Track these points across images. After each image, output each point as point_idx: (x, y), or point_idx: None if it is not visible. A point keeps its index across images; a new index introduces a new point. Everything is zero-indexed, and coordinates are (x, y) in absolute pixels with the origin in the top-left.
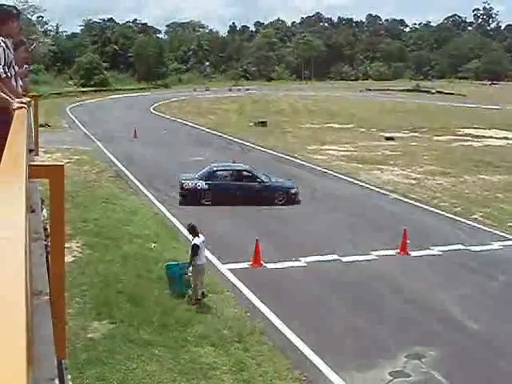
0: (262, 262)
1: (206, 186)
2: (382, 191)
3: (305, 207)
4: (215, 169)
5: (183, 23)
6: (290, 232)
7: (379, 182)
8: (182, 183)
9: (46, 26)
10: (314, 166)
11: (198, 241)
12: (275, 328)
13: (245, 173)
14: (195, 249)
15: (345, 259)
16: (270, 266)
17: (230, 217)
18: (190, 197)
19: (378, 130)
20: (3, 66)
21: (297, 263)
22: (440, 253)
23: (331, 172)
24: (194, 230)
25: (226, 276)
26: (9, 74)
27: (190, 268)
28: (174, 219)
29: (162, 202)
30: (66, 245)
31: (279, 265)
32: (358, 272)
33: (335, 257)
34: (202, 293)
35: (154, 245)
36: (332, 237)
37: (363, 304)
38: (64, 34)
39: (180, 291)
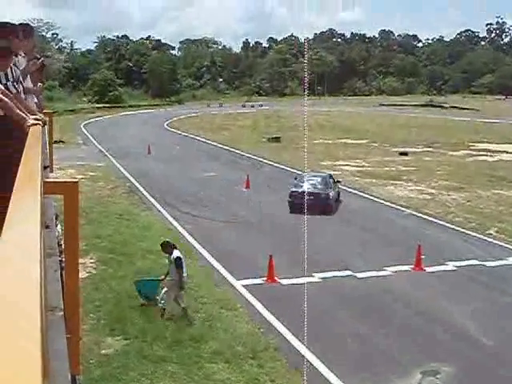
0: (276, 278)
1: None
2: (396, 206)
3: (317, 223)
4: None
5: (196, 40)
6: (302, 247)
7: (393, 197)
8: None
9: (60, 43)
10: None
11: (179, 254)
12: (289, 344)
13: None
14: (179, 262)
15: (359, 275)
16: (284, 281)
17: (238, 230)
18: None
19: (391, 146)
20: (12, 82)
21: (311, 279)
22: (455, 268)
23: (344, 187)
24: (166, 247)
25: (240, 292)
26: (18, 89)
27: (164, 289)
28: (187, 235)
29: (175, 217)
30: (80, 261)
31: (293, 281)
32: (373, 288)
33: (349, 272)
34: (183, 308)
35: (167, 261)
36: (346, 252)
37: (379, 321)
38: (78, 50)
39: (151, 296)
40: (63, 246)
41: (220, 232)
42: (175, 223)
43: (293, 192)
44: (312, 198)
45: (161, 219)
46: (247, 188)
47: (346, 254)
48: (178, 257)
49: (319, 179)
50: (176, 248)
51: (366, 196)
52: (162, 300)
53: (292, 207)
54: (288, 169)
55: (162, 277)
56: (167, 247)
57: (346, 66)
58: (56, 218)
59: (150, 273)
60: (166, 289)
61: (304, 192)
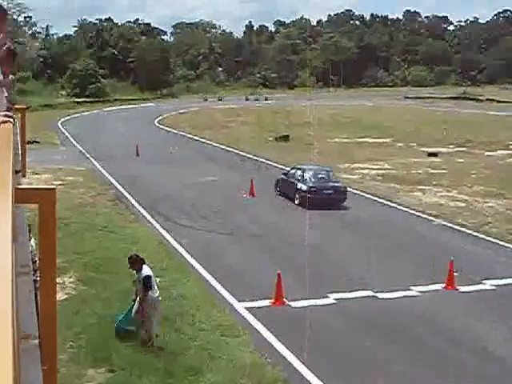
0: (285, 300)
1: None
2: (425, 216)
3: (333, 235)
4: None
5: (192, 23)
6: (316, 263)
7: (421, 205)
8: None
9: (34, 27)
10: None
11: (148, 271)
12: (301, 378)
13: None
14: (148, 280)
15: (381, 296)
16: (294, 303)
17: (241, 244)
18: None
19: (418, 145)
20: None
21: (325, 300)
22: (493, 287)
23: (364, 194)
24: (135, 262)
25: (244, 316)
26: None
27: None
28: (182, 250)
29: (168, 229)
30: (58, 280)
31: (304, 303)
32: (397, 311)
33: (370, 293)
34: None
35: (158, 280)
36: (366, 269)
37: (402, 349)
38: (55, 36)
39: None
40: (38, 263)
41: (220, 246)
42: (168, 236)
43: (311, 188)
44: (332, 192)
45: (152, 232)
46: (251, 195)
47: (366, 271)
48: (147, 276)
49: (325, 172)
50: (145, 263)
51: (390, 204)
52: (143, 326)
53: (308, 203)
54: None
55: (133, 298)
56: (135, 263)
57: (366, 53)
58: (29, 231)
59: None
60: (135, 311)
61: (324, 187)
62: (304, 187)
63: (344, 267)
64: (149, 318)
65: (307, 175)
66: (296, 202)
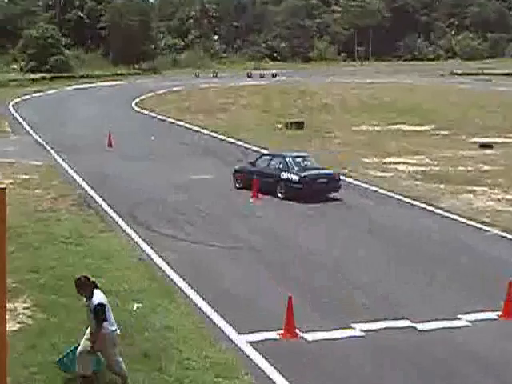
0: (297, 331)
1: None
2: (476, 224)
3: (356, 248)
4: None
5: None
6: (336, 284)
7: (471, 210)
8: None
9: None
10: (372, 188)
11: (100, 298)
12: None
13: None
14: (102, 310)
15: (421, 326)
16: (308, 336)
17: (241, 260)
18: None
19: (467, 134)
20: None
21: (348, 332)
22: None
23: (398, 196)
24: (84, 286)
25: (245, 352)
26: None
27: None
28: (166, 267)
29: (149, 241)
30: (9, 305)
31: (323, 335)
32: (441, 346)
33: (407, 323)
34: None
35: (136, 305)
36: (400, 292)
37: None
38: None
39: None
40: None
41: (215, 263)
42: (149, 250)
43: (302, 177)
44: (326, 180)
45: (128, 244)
46: (255, 197)
47: (401, 295)
48: (99, 304)
49: (307, 158)
50: (97, 287)
51: (431, 209)
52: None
53: (296, 194)
54: None
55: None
56: (84, 286)
57: (401, 17)
58: None
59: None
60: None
61: (317, 175)
62: (294, 177)
63: (373, 290)
64: (112, 357)
65: (291, 163)
66: (280, 195)
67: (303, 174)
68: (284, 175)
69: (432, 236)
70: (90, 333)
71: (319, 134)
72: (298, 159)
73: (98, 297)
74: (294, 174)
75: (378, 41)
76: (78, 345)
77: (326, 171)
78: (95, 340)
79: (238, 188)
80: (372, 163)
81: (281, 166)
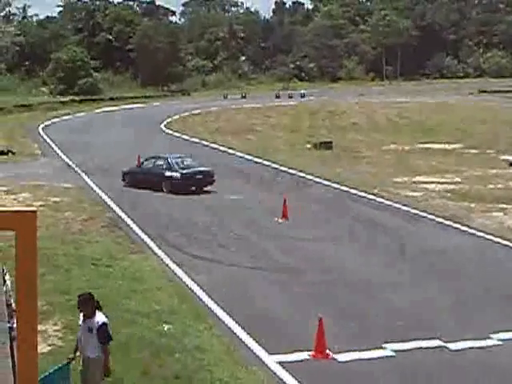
0: (328, 352)
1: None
2: (507, 243)
3: (389, 268)
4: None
5: (207, 1)
6: (368, 304)
7: (503, 229)
8: None
9: (7, 7)
10: (402, 207)
11: (104, 318)
12: None
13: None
14: (107, 329)
15: (454, 346)
16: (339, 356)
17: (271, 281)
18: None
19: (498, 152)
20: None
21: (379, 352)
22: None
23: (429, 216)
24: (87, 304)
25: (276, 372)
26: None
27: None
28: (197, 288)
29: (179, 263)
30: (40, 327)
31: (354, 355)
32: (474, 366)
33: (438, 342)
34: None
35: (167, 327)
36: (432, 312)
37: None
38: (34, 19)
39: None
40: (14, 307)
41: (245, 284)
42: (180, 271)
43: (183, 174)
44: (202, 176)
45: (158, 266)
46: (284, 218)
47: (433, 315)
48: (104, 323)
49: (187, 159)
50: (100, 309)
51: (463, 228)
52: None
53: (179, 188)
54: (344, 189)
55: (71, 356)
56: (87, 304)
57: (429, 36)
58: (3, 269)
59: (141, 345)
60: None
61: (195, 172)
62: (176, 174)
63: (405, 309)
64: (98, 376)
65: (173, 163)
66: (165, 190)
67: (184, 172)
68: (168, 173)
69: (464, 255)
70: (83, 360)
71: (348, 153)
72: (179, 159)
73: (102, 317)
74: (175, 171)
75: (406, 59)
76: (66, 364)
77: (202, 169)
78: (107, 363)
79: (126, 186)
80: (402, 183)
81: (165, 166)
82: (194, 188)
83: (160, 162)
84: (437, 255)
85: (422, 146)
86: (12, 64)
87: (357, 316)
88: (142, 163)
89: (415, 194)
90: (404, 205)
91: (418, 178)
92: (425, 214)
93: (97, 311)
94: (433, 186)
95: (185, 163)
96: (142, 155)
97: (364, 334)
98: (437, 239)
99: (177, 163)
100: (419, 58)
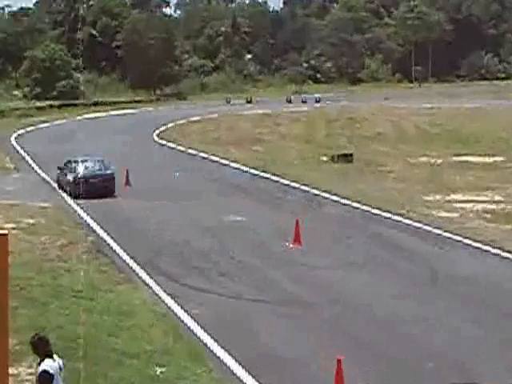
0: None
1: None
2: None
3: (418, 301)
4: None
5: None
6: (394, 343)
7: None
8: None
9: None
10: (434, 230)
11: (50, 365)
12: None
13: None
14: (45, 379)
15: None
16: None
17: (280, 316)
18: None
19: None
20: None
21: None
22: None
23: (465, 240)
24: (40, 347)
25: None
26: None
27: None
28: (193, 324)
29: (173, 295)
30: (11, 370)
31: None
32: None
33: None
34: None
35: (159, 369)
36: (470, 354)
37: None
38: (7, 10)
39: None
40: None
41: (250, 319)
42: (174, 305)
43: (79, 178)
44: (100, 179)
45: (149, 298)
46: (297, 242)
47: (471, 356)
48: (44, 370)
49: (96, 162)
50: (50, 355)
51: (503, 254)
52: None
53: (76, 193)
54: (367, 208)
55: None
56: (36, 348)
57: (465, 31)
58: None
59: None
60: None
61: (92, 176)
62: (72, 178)
63: (438, 350)
64: None
65: (79, 166)
66: (67, 193)
67: (79, 175)
68: (69, 176)
69: (506, 286)
70: None
71: (371, 167)
72: (87, 163)
73: (47, 364)
74: (72, 174)
75: (439, 58)
76: None
77: (105, 172)
78: None
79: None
80: (434, 201)
81: (70, 169)
82: (93, 193)
83: (72, 165)
84: (473, 286)
85: (457, 158)
86: None
87: (380, 357)
88: (65, 165)
89: (449, 214)
90: (436, 227)
91: (452, 196)
92: (460, 238)
93: (47, 358)
94: (470, 205)
95: (94, 166)
96: (131, 169)
97: (389, 378)
98: (473, 267)
99: (84, 166)
100: (453, 56)
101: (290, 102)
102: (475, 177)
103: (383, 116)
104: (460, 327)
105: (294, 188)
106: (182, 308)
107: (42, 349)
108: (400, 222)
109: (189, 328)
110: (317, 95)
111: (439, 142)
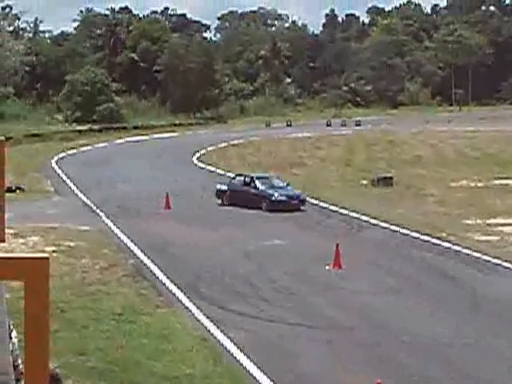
0: None
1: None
2: None
3: (460, 327)
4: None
5: (246, 13)
6: (436, 370)
7: None
8: None
9: (17, 21)
10: (475, 254)
11: None
12: None
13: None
14: None
15: None
16: None
17: (323, 341)
18: None
19: None
20: None
21: None
22: None
23: (506, 264)
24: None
25: None
26: None
27: None
28: (234, 349)
29: (214, 319)
30: None
31: None
32: None
33: None
34: None
35: None
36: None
37: None
38: (47, 35)
39: None
40: (22, 369)
41: (292, 344)
42: (214, 329)
43: (280, 196)
44: (296, 199)
45: (189, 322)
46: (337, 267)
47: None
48: None
49: (279, 180)
50: None
51: None
52: None
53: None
54: (406, 232)
55: None
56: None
57: (506, 54)
58: (9, 325)
59: None
60: None
61: (291, 195)
62: (279, 196)
63: (483, 377)
64: None
65: (273, 183)
66: (264, 209)
67: (279, 194)
68: (268, 194)
69: None
70: None
71: (411, 191)
72: (276, 180)
73: None
74: (275, 192)
75: (479, 82)
76: None
77: (296, 192)
78: None
79: (224, 204)
80: (474, 225)
81: (264, 186)
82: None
83: (261, 182)
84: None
85: (498, 182)
86: (22, 87)
87: (420, 380)
88: (235, 179)
89: (490, 238)
90: (476, 251)
91: (493, 220)
92: (500, 262)
93: None
94: (511, 228)
95: (280, 185)
96: (172, 193)
97: None
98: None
99: (275, 184)
100: (494, 79)
101: (329, 125)
102: None
103: (423, 139)
104: (501, 349)
105: (333, 211)
106: (222, 332)
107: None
108: (439, 244)
109: (229, 352)
110: (356, 118)
111: (480, 165)
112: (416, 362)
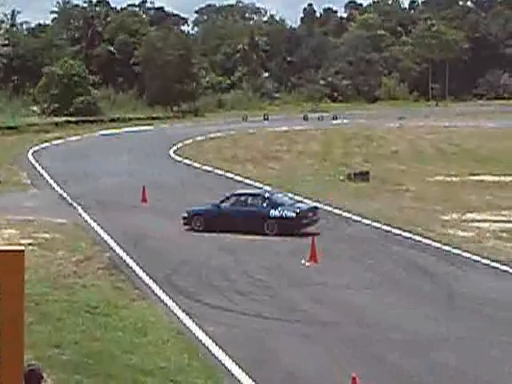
0: None
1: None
2: None
3: (436, 322)
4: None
5: (224, 7)
6: (415, 366)
7: None
8: None
9: None
10: (451, 249)
11: None
12: None
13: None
14: None
15: None
16: None
17: (299, 334)
18: None
19: None
20: None
21: None
22: None
23: (484, 260)
24: (30, 379)
25: None
26: None
27: None
28: (209, 342)
29: (190, 312)
30: None
31: None
32: None
33: None
34: None
35: None
36: (494, 377)
37: None
38: (25, 26)
39: None
40: None
41: (267, 338)
42: (190, 322)
43: (302, 211)
44: (312, 214)
45: (165, 315)
46: (313, 261)
47: (496, 379)
48: None
49: (281, 194)
50: None
51: None
52: None
53: (300, 227)
54: (383, 227)
55: None
56: (30, 379)
57: (483, 50)
58: None
59: None
60: None
61: (309, 209)
62: (289, 214)
63: (460, 372)
64: None
65: (278, 200)
66: (268, 231)
67: (294, 210)
68: (273, 212)
69: None
70: None
71: (388, 186)
72: (280, 195)
73: None
74: (285, 210)
75: (456, 77)
76: None
77: (309, 205)
78: None
79: (197, 230)
80: (451, 221)
81: (265, 203)
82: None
83: (260, 199)
84: (492, 306)
85: (474, 177)
86: None
87: (402, 378)
88: (227, 200)
89: (466, 233)
90: (454, 247)
91: (469, 216)
92: (477, 258)
93: None
94: (487, 224)
95: (287, 200)
96: (149, 186)
97: None
98: (491, 287)
99: (281, 200)
100: (471, 75)
101: (306, 119)
102: (492, 196)
103: (400, 134)
104: (479, 345)
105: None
106: (198, 325)
107: (34, 379)
108: (416, 240)
109: (205, 346)
110: (333, 113)
111: (456, 161)
112: (393, 356)
